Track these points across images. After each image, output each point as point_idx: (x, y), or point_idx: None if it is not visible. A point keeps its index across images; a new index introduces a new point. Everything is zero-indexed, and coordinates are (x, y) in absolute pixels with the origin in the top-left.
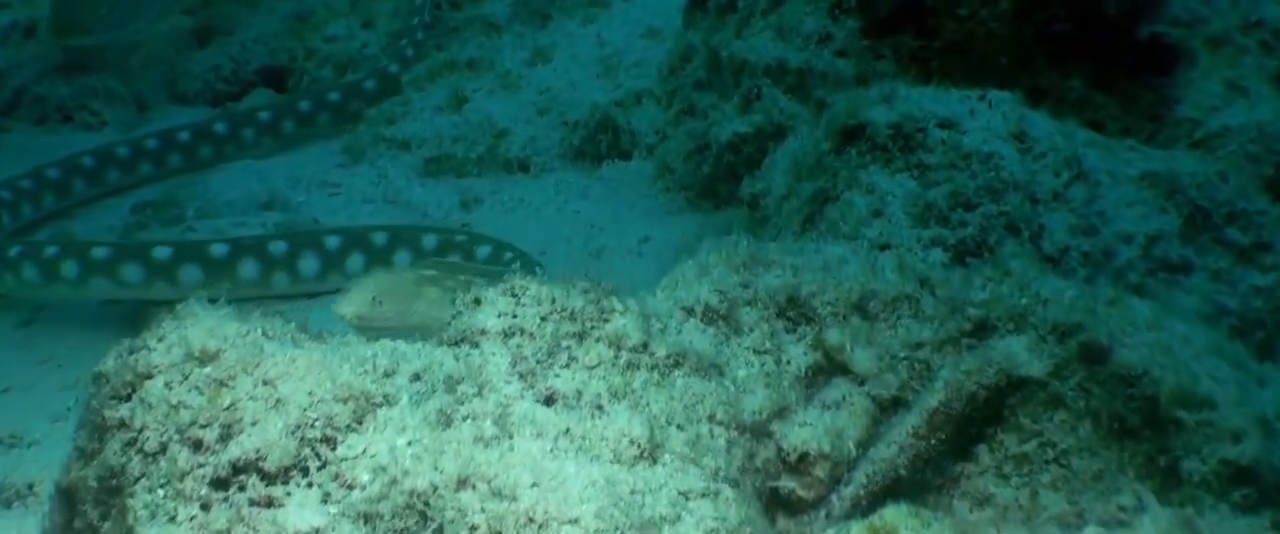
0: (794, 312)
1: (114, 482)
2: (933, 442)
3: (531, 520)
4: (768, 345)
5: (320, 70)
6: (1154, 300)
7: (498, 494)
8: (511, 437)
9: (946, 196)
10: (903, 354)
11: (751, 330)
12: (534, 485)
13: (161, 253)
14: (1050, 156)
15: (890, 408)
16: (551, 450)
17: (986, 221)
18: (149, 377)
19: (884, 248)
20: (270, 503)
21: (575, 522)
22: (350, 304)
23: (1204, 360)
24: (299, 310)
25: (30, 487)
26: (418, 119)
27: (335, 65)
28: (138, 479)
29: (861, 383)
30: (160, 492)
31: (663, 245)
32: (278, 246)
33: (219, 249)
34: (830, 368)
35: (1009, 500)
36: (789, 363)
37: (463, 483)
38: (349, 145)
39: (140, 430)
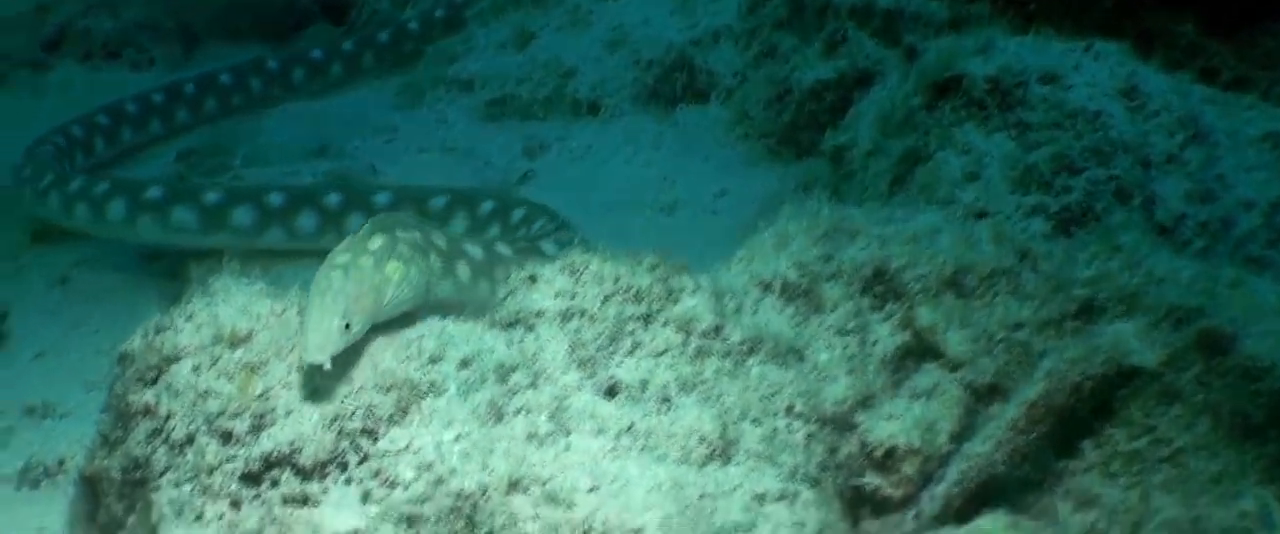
0: (881, 287)
1: (138, 473)
2: (1033, 436)
3: (589, 530)
4: (852, 325)
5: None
6: (1277, 272)
7: (552, 499)
8: (569, 433)
9: (1049, 159)
10: (1000, 336)
11: (834, 308)
12: (592, 490)
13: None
14: (1163, 115)
15: (986, 396)
16: (613, 449)
17: (1093, 187)
18: (176, 360)
19: (980, 216)
20: (305, 501)
21: (638, 532)
22: (316, 352)
23: None
24: None
25: (60, 463)
26: (480, 57)
27: None
28: (163, 472)
29: (955, 368)
30: (187, 487)
31: (740, 200)
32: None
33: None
34: (920, 350)
35: (1117, 502)
36: (875, 345)
37: (514, 485)
38: (406, 85)
39: (166, 419)
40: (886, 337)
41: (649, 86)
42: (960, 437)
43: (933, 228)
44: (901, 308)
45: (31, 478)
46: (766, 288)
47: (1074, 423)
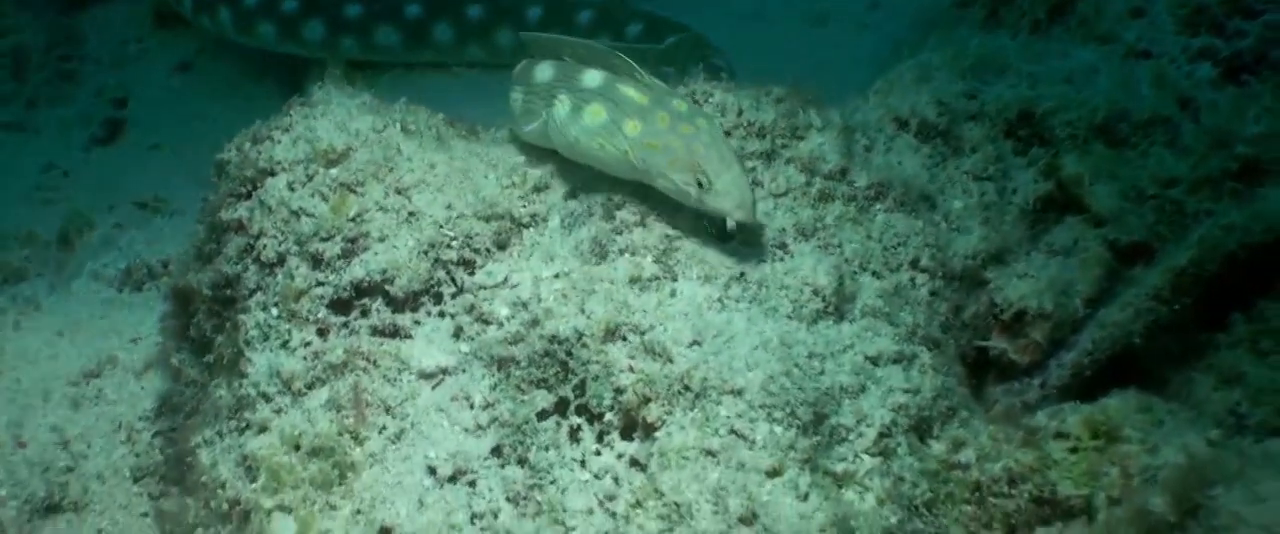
0: (1026, 130)
1: (228, 291)
2: (1176, 307)
3: (687, 388)
4: (991, 170)
5: None
6: None
7: (651, 351)
8: (675, 278)
9: None
10: (1152, 192)
11: (974, 151)
12: (694, 344)
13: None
14: None
15: (1130, 257)
16: (720, 299)
17: (1271, 33)
18: (271, 174)
19: (1142, 57)
20: (396, 333)
21: (738, 393)
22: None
23: None
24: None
25: (165, 266)
26: None
27: None
28: (252, 293)
29: (1099, 224)
30: (274, 310)
31: (893, 15)
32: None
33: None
34: (1063, 202)
35: (1264, 382)
36: (1015, 194)
37: (612, 333)
38: None
39: (258, 236)
40: (1028, 184)
41: None
42: (1098, 301)
43: (1089, 67)
44: (1047, 154)
45: (135, 280)
46: (902, 125)
47: (1225, 293)
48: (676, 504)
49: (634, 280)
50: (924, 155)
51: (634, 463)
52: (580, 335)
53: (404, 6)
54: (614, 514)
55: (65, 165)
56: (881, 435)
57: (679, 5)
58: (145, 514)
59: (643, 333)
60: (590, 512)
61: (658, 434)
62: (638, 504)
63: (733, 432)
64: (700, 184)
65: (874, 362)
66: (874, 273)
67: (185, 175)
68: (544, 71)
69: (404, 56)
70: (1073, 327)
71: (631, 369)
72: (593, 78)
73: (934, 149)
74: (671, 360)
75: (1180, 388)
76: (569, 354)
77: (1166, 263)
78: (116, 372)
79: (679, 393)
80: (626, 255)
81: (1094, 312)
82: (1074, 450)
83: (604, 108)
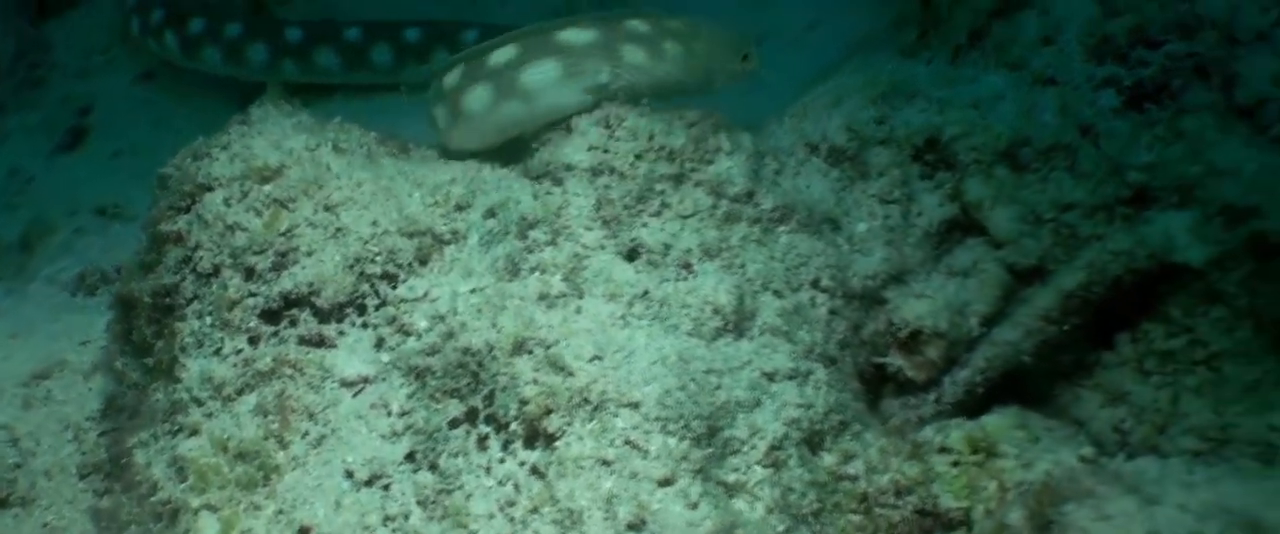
0: (932, 155)
1: (167, 300)
2: (1065, 327)
3: (586, 401)
4: (897, 194)
5: None
6: None
7: (554, 365)
8: (581, 296)
9: (1128, 29)
10: (1049, 216)
11: (881, 175)
12: (595, 359)
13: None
14: None
15: (1028, 278)
16: (623, 316)
17: (1172, 62)
18: (209, 189)
19: (1048, 83)
20: (321, 342)
21: (635, 406)
22: None
23: None
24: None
25: (118, 271)
26: None
27: None
28: (189, 302)
29: (998, 247)
30: (209, 318)
31: (831, 34)
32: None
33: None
34: (967, 225)
35: (1147, 401)
36: (920, 215)
37: (519, 347)
38: None
39: (195, 249)
40: (933, 207)
41: None
42: (994, 320)
43: (997, 94)
44: (952, 178)
45: (88, 285)
46: (813, 149)
47: (1112, 315)
48: (570, 511)
49: (542, 297)
50: (833, 179)
51: (534, 471)
52: (490, 348)
53: (344, 31)
54: (513, 519)
55: (30, 171)
56: (773, 448)
57: None
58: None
59: (547, 347)
60: (491, 516)
61: (557, 444)
62: (535, 510)
63: (628, 442)
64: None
65: (770, 377)
66: (775, 292)
67: (144, 182)
68: (452, 77)
69: (344, 78)
70: (967, 345)
71: (535, 382)
72: (503, 53)
73: (842, 173)
74: (572, 374)
75: (1070, 405)
76: (480, 366)
77: (1056, 285)
78: (66, 373)
79: (578, 405)
80: (537, 273)
81: (989, 331)
82: (955, 464)
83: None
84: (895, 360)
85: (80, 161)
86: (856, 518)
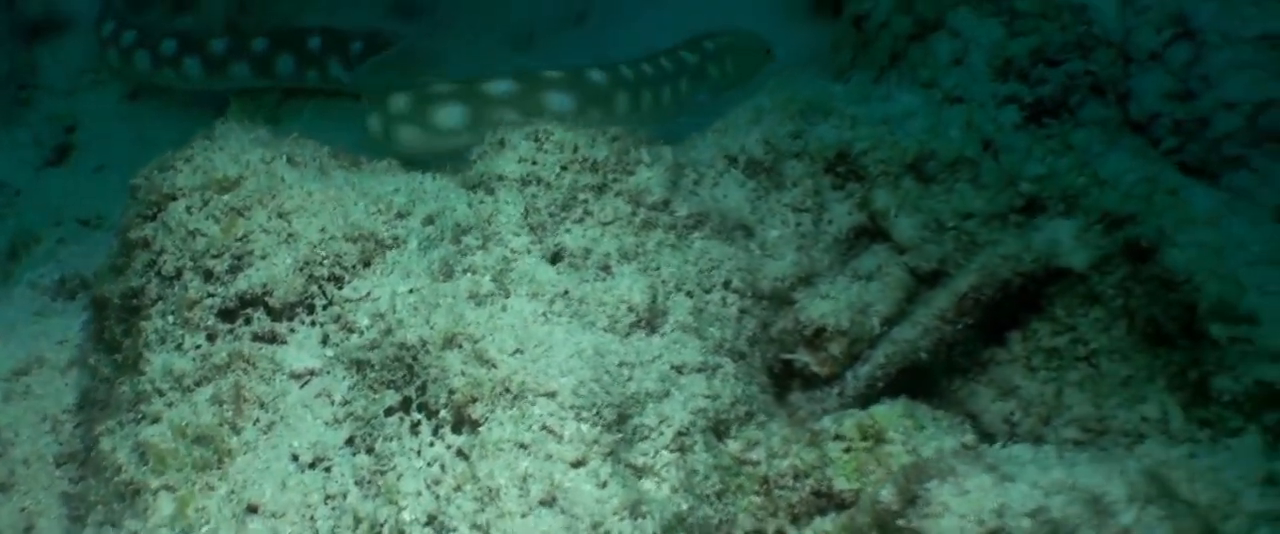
0: (843, 168)
1: (134, 301)
2: (959, 327)
3: (507, 390)
4: (809, 203)
5: None
6: (1256, 173)
7: (479, 358)
8: (507, 295)
9: (1029, 50)
10: (951, 224)
11: (794, 185)
12: (516, 352)
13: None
14: (1153, 10)
15: (929, 280)
16: (545, 314)
17: (1070, 81)
18: (173, 199)
19: (956, 102)
20: (273, 338)
21: (552, 395)
22: None
23: (1258, 270)
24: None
25: (95, 276)
26: None
27: None
28: (154, 302)
29: (902, 252)
30: (171, 317)
31: (791, 57)
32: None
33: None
34: (873, 231)
35: (1033, 395)
36: (830, 223)
37: (449, 341)
38: None
39: (160, 253)
40: (842, 215)
41: None
42: (896, 319)
43: (908, 111)
44: (861, 188)
45: (68, 289)
46: (732, 162)
47: (1004, 315)
48: (489, 488)
49: (472, 296)
50: (749, 189)
51: (459, 453)
52: (424, 343)
53: (252, 41)
54: (438, 497)
55: (17, 185)
56: (680, 434)
57: (570, 50)
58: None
59: (475, 342)
60: (419, 493)
61: (480, 429)
62: (458, 488)
63: (544, 428)
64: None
65: (679, 370)
66: (687, 292)
67: (125, 195)
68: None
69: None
70: (869, 342)
71: (463, 373)
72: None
73: (759, 184)
74: (496, 366)
75: (966, 399)
76: (414, 359)
77: (951, 287)
78: (44, 370)
79: (500, 394)
80: (468, 274)
81: (890, 329)
82: (847, 450)
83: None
84: (802, 356)
85: (65, 176)
86: (757, 499)
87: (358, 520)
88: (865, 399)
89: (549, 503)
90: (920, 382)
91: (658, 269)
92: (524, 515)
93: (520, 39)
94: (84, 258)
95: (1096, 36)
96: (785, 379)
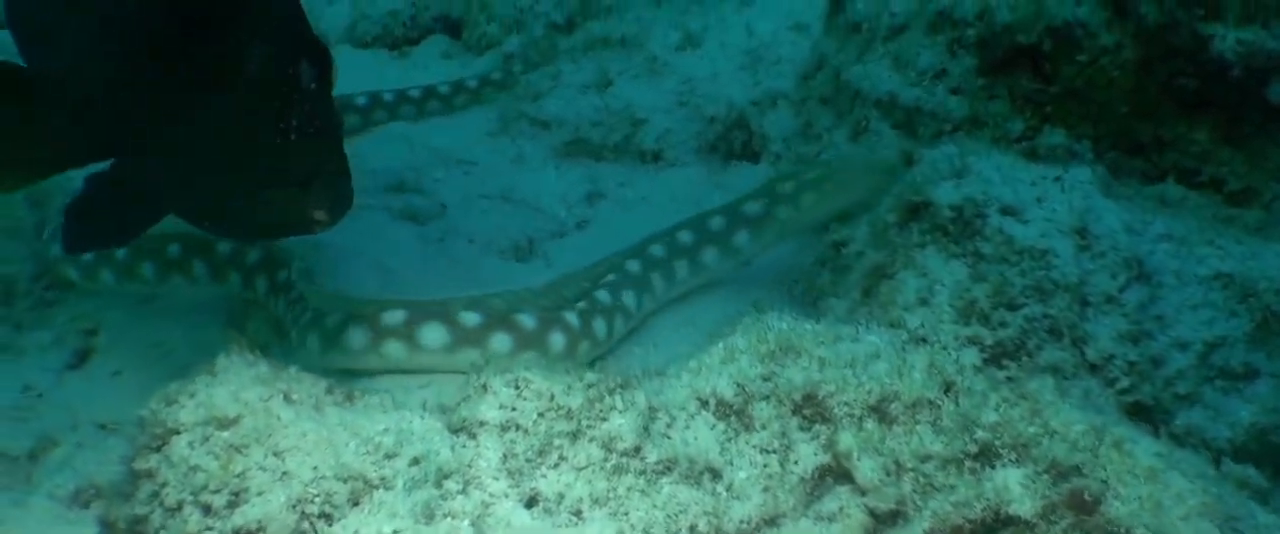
0: (810, 410)
1: (139, 528)
2: None
3: None
4: (777, 445)
5: (490, 25)
6: (1208, 409)
7: None
8: None
9: (991, 294)
10: (910, 466)
11: (763, 427)
12: None
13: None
14: (1110, 256)
15: (888, 521)
16: None
17: (1029, 324)
18: (176, 433)
19: (921, 342)
20: None
21: None
22: None
23: (1192, 523)
24: None
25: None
26: (562, 97)
27: (501, 23)
28: (157, 531)
29: (863, 493)
30: None
31: (762, 270)
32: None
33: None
34: (838, 471)
35: None
36: (796, 464)
37: None
38: (502, 114)
39: (163, 486)
40: (809, 456)
41: (709, 141)
42: None
43: (873, 353)
44: (827, 430)
45: (82, 500)
46: (703, 404)
47: None
48: None
49: None
50: (719, 432)
51: None
52: None
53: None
54: None
55: (40, 387)
56: None
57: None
58: None
59: None
60: None
61: None
62: None
63: None
64: None
65: None
66: None
67: (138, 400)
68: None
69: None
70: None
71: None
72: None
73: (728, 426)
74: None
75: None
76: None
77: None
78: None
79: None
80: (448, 518)
81: None
82: None
83: None
84: None
85: (84, 379)
86: None
87: None
88: None
89: None
90: None
91: (627, 514)
92: None
93: (521, 249)
94: (99, 464)
95: (1055, 282)
96: None
